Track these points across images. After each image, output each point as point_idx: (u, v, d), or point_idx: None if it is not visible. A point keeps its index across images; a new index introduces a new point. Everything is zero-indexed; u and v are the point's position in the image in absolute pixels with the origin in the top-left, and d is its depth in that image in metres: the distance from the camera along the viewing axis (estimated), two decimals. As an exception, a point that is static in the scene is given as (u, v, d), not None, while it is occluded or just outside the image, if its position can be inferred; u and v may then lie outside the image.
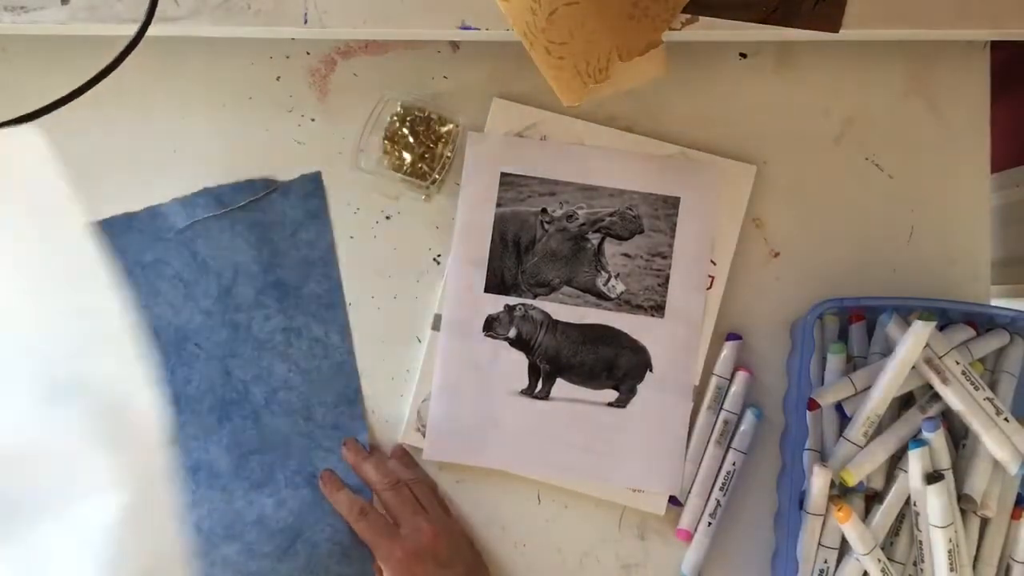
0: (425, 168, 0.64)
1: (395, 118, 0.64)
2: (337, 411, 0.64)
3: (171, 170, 0.65)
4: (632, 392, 0.64)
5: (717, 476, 0.63)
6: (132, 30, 0.54)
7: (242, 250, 0.65)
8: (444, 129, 0.64)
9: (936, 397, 0.59)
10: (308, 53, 0.66)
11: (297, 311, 0.65)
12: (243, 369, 0.65)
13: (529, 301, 0.64)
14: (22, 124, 0.50)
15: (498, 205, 0.65)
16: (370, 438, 0.64)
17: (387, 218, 0.66)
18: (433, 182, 0.64)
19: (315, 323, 0.65)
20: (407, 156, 0.64)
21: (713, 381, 0.64)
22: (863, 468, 0.58)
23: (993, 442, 0.57)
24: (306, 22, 0.59)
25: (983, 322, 0.63)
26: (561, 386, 0.64)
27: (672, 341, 0.64)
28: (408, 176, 0.64)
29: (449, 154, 0.64)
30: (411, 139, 0.64)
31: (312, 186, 0.65)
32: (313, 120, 0.66)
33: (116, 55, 0.52)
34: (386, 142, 0.64)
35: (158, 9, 0.58)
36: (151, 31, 0.56)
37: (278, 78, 0.66)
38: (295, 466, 0.64)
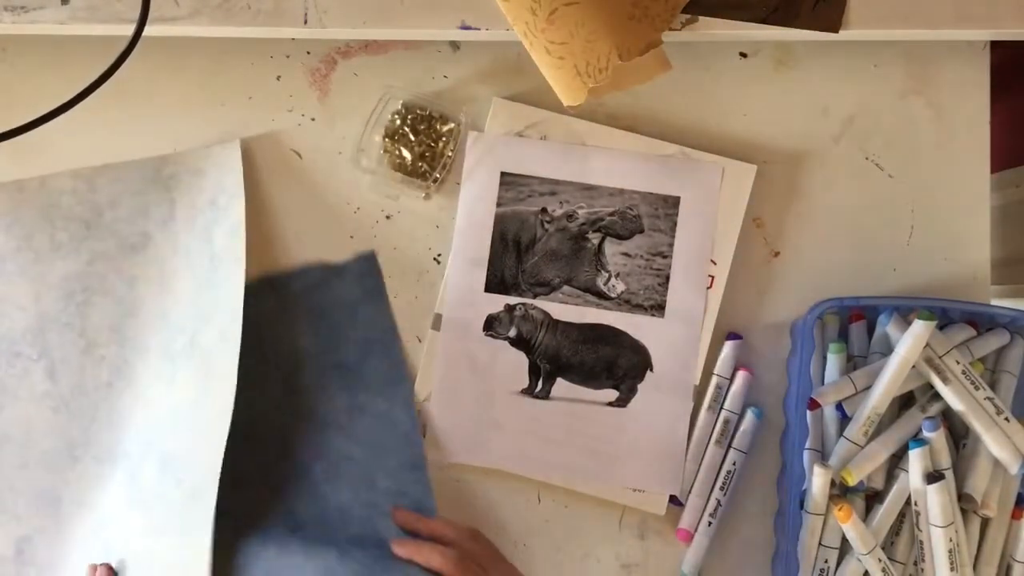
0: (425, 167, 0.64)
1: (396, 116, 0.64)
2: (400, 476, 0.62)
3: (171, 170, 0.65)
4: (632, 392, 0.64)
5: (717, 476, 0.63)
6: (131, 30, 0.54)
7: (303, 334, 0.64)
8: (445, 128, 0.64)
9: (936, 397, 0.59)
10: (308, 53, 0.66)
11: (359, 388, 0.63)
12: (303, 449, 0.63)
13: (529, 301, 0.64)
14: (25, 132, 0.50)
15: (498, 205, 0.64)
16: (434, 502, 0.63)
17: (387, 218, 0.66)
18: (434, 181, 0.64)
19: (379, 399, 0.63)
20: (407, 155, 0.64)
21: (713, 381, 0.64)
22: (863, 468, 0.58)
23: (993, 442, 0.57)
24: (306, 22, 0.59)
25: (983, 322, 0.63)
26: (561, 386, 0.64)
27: (672, 341, 0.64)
28: (408, 175, 0.64)
29: (450, 153, 0.64)
30: (412, 137, 0.64)
31: (368, 266, 0.64)
32: (313, 120, 0.66)
33: (113, 60, 0.52)
34: (387, 140, 0.64)
35: (159, 9, 0.58)
36: (152, 31, 0.56)
37: (278, 78, 0.66)
38: (356, 529, 0.61)
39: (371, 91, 0.64)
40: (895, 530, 0.60)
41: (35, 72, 0.65)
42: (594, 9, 0.55)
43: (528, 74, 0.62)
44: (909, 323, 0.58)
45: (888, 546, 0.60)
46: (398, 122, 0.64)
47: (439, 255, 0.65)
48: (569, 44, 0.56)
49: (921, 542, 0.58)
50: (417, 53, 0.66)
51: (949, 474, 0.57)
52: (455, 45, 0.66)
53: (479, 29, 0.60)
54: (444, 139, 0.64)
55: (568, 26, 0.55)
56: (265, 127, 0.66)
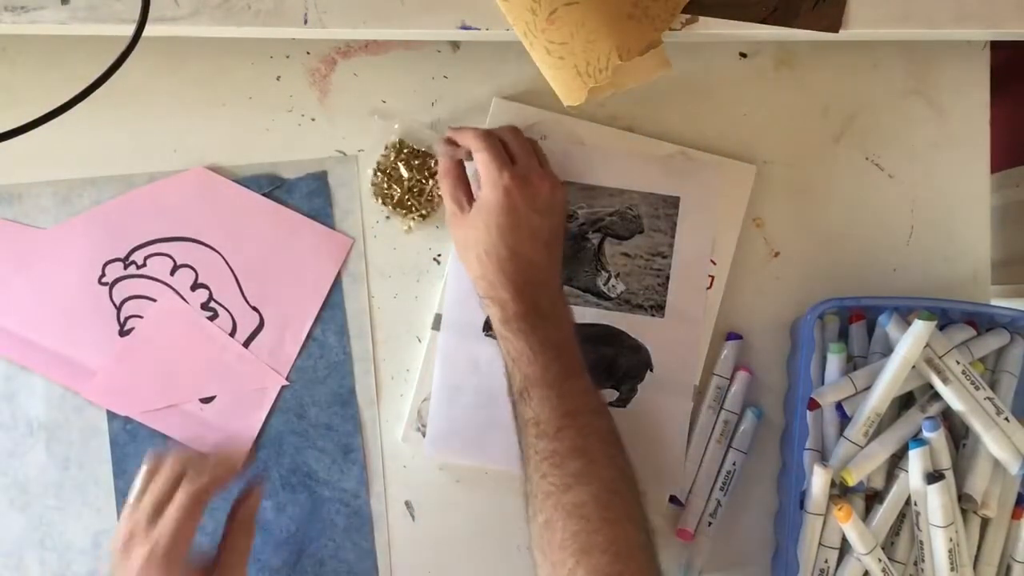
0: (412, 202, 0.64)
1: (390, 149, 0.64)
2: (330, 411, 0.64)
3: (171, 171, 0.65)
4: (632, 392, 0.64)
5: (717, 476, 0.63)
6: (132, 30, 0.54)
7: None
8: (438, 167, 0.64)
9: (936, 397, 0.59)
10: (308, 53, 0.66)
11: None
12: None
13: (529, 301, 0.64)
14: (26, 132, 0.50)
15: (498, 205, 0.64)
16: (362, 441, 0.64)
17: (387, 218, 0.65)
18: (420, 216, 0.64)
19: (313, 321, 0.65)
20: (397, 189, 0.64)
21: (713, 381, 0.64)
22: (863, 468, 0.58)
23: (993, 442, 0.57)
24: (306, 22, 0.59)
25: (983, 322, 0.63)
26: (561, 386, 0.64)
27: (672, 341, 0.64)
28: (394, 208, 0.64)
29: (439, 192, 0.63)
30: (404, 173, 0.64)
31: (317, 184, 0.65)
32: (313, 120, 0.66)
33: (113, 60, 0.52)
34: (378, 174, 0.64)
35: (159, 9, 0.58)
36: (152, 31, 0.56)
37: (278, 78, 0.66)
38: (289, 464, 0.64)
39: (371, 91, 0.64)
40: (895, 530, 0.60)
41: (35, 72, 0.65)
42: (594, 9, 0.55)
43: (528, 74, 0.62)
44: (909, 323, 0.58)
45: (888, 546, 0.60)
46: (392, 156, 0.64)
47: (439, 255, 0.65)
48: (569, 44, 0.56)
49: (921, 542, 0.58)
50: (417, 53, 0.66)
51: (949, 474, 0.57)
52: (455, 45, 0.66)
53: (479, 29, 0.60)
54: (436, 178, 0.64)
55: (568, 26, 0.55)
56: (265, 127, 0.66)
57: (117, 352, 0.64)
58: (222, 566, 0.56)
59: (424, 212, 0.64)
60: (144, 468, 0.56)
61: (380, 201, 0.65)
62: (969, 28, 0.60)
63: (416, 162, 0.64)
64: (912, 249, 0.66)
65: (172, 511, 0.53)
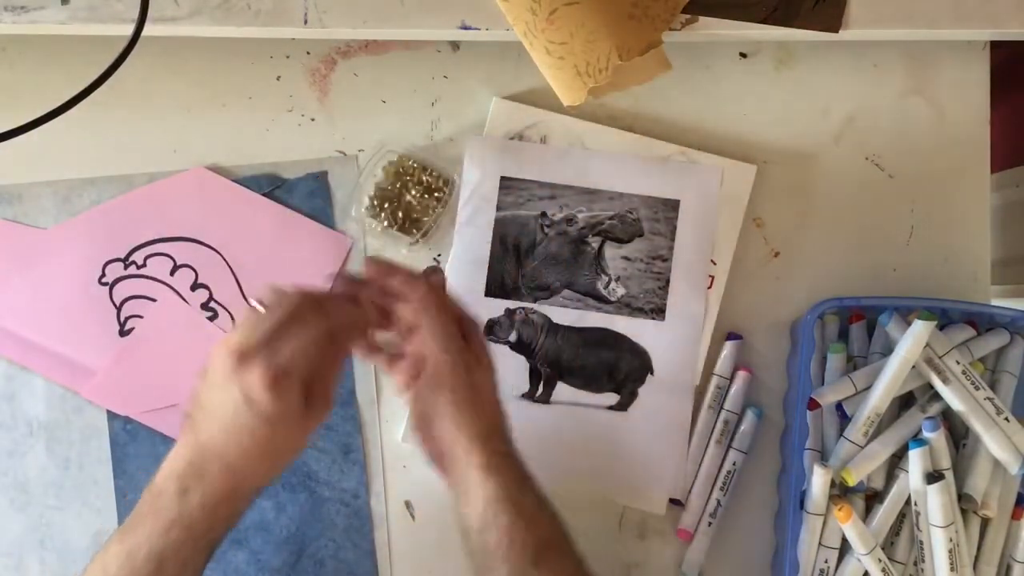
0: (412, 227, 0.64)
1: (387, 171, 0.64)
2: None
3: (171, 171, 0.65)
4: (633, 396, 0.64)
5: (717, 476, 0.63)
6: (132, 30, 0.54)
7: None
8: (435, 191, 0.63)
9: (936, 397, 0.59)
10: (308, 53, 0.66)
11: None
12: None
13: (529, 305, 0.64)
14: (26, 132, 0.50)
15: (498, 209, 0.64)
16: (362, 441, 0.64)
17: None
18: (423, 235, 0.64)
19: None
20: (399, 214, 0.63)
21: (713, 381, 0.64)
22: (863, 468, 0.58)
23: (993, 442, 0.57)
24: (306, 22, 0.59)
25: (983, 322, 0.63)
26: (562, 390, 0.64)
27: (673, 343, 0.64)
28: (396, 231, 0.64)
29: (441, 208, 0.63)
30: (401, 199, 0.63)
31: (317, 184, 0.65)
32: (313, 120, 0.66)
33: (113, 60, 0.52)
34: (374, 200, 0.64)
35: (158, 9, 0.58)
36: (152, 31, 0.56)
37: (278, 78, 0.66)
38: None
39: (371, 91, 0.64)
40: (895, 530, 0.60)
41: (35, 72, 0.65)
42: (594, 9, 0.55)
43: (528, 74, 0.62)
44: (909, 323, 0.58)
45: (888, 546, 0.60)
46: (391, 177, 0.64)
47: (439, 256, 0.65)
48: (569, 44, 0.56)
49: (921, 542, 0.58)
50: (417, 53, 0.66)
51: (949, 474, 0.57)
52: (455, 45, 0.66)
53: (479, 29, 0.60)
54: (434, 203, 0.63)
55: (568, 26, 0.55)
56: (265, 127, 0.66)
57: (117, 352, 0.64)
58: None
59: (421, 238, 0.64)
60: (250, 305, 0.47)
61: (378, 225, 0.64)
62: (969, 28, 0.60)
63: (414, 190, 0.63)
64: (912, 249, 0.66)
65: (303, 333, 0.44)
